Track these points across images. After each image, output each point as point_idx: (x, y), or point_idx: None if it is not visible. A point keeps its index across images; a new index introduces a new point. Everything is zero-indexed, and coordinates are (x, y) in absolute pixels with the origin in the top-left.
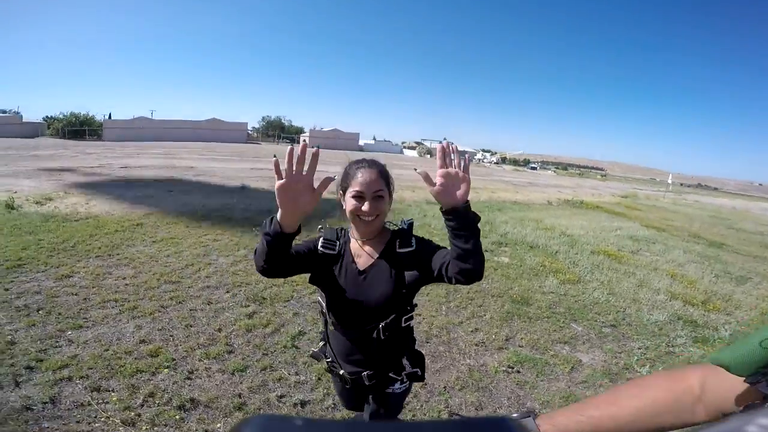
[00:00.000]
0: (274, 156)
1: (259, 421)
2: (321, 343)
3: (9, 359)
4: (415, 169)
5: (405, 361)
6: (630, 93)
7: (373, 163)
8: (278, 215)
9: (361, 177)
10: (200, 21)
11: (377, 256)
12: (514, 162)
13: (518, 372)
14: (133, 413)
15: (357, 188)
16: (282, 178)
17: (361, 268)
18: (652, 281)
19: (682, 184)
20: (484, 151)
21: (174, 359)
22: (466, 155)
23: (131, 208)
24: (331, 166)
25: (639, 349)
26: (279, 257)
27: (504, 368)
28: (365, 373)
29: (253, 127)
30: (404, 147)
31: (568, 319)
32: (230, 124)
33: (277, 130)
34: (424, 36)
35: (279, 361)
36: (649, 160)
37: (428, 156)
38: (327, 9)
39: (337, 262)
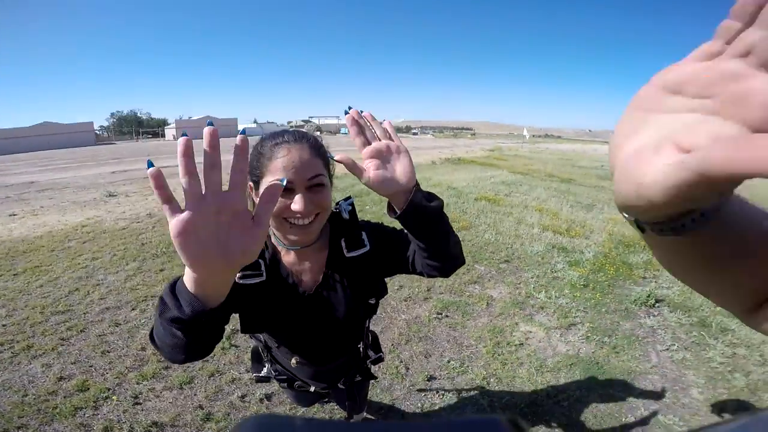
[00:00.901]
0: (151, 166)
1: (258, 420)
2: (267, 365)
3: None
4: (331, 157)
5: (370, 351)
6: (487, 55)
7: (300, 136)
8: (190, 283)
9: (284, 158)
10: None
11: (324, 267)
12: (398, 129)
13: (447, 316)
14: None
15: (280, 176)
16: (180, 211)
17: (310, 291)
18: (526, 217)
19: (534, 136)
20: None
21: (109, 388)
22: (385, 120)
23: None
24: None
25: (532, 278)
26: (208, 340)
27: (435, 315)
28: (340, 382)
29: (102, 126)
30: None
31: (471, 262)
32: (69, 126)
33: (134, 126)
34: (298, 6)
35: (223, 364)
36: (507, 116)
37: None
38: None
39: (271, 290)
